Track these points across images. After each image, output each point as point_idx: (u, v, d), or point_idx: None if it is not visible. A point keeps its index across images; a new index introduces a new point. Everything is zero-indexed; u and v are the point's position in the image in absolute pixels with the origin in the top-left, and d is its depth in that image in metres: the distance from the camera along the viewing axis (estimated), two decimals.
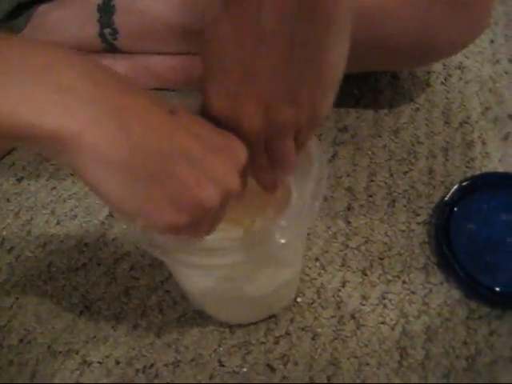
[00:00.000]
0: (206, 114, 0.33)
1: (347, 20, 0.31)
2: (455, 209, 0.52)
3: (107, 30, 0.53)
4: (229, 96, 0.31)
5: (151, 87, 0.59)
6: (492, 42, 0.65)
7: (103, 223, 0.52)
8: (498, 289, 0.49)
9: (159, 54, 0.56)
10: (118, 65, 0.57)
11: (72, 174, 0.55)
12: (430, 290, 0.50)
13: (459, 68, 0.63)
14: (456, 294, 0.50)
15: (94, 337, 0.47)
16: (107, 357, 0.47)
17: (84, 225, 0.52)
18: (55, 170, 0.55)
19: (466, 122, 0.59)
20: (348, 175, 0.55)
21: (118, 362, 0.46)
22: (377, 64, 0.55)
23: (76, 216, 0.53)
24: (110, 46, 0.55)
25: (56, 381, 0.45)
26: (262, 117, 0.32)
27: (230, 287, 0.43)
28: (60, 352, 0.47)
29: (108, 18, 0.53)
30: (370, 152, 0.57)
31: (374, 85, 0.61)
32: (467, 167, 0.56)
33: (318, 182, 0.37)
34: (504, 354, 0.47)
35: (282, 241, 0.35)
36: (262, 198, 0.39)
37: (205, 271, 0.40)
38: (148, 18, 0.53)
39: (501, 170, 0.56)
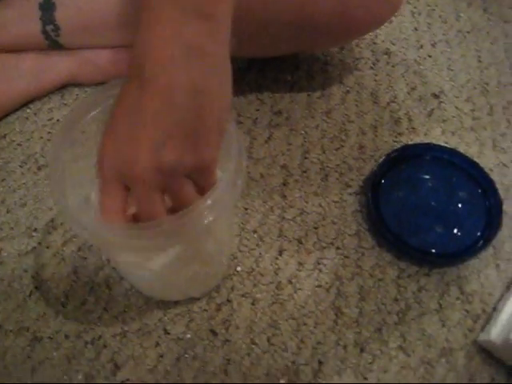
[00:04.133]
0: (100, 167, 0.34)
1: (227, 63, 0.34)
2: (384, 179, 0.56)
3: (49, 27, 0.56)
4: (119, 144, 0.33)
5: (97, 81, 0.62)
6: (416, 29, 0.70)
7: (51, 209, 0.55)
8: (425, 249, 0.52)
9: (102, 48, 0.59)
10: (64, 61, 0.60)
11: (21, 166, 0.57)
12: (363, 254, 0.53)
13: (386, 53, 0.67)
14: (387, 256, 0.53)
15: (44, 314, 0.49)
16: (57, 332, 0.49)
17: (33, 212, 0.54)
18: (4, 163, 0.57)
19: (394, 102, 0.63)
20: (283, 154, 0.58)
21: (67, 336, 0.48)
22: (301, 44, 0.58)
23: (25, 204, 0.55)
24: (53, 42, 0.58)
25: (8, 358, 0.47)
26: (151, 163, 0.32)
27: (148, 270, 0.44)
28: (11, 330, 0.49)
29: (50, 15, 0.56)
30: (303, 132, 0.60)
31: (306, 71, 0.65)
32: (395, 142, 0.60)
33: (239, 161, 0.39)
34: (431, 306, 0.50)
35: (210, 218, 0.36)
36: None
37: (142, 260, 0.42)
38: (87, 14, 0.56)
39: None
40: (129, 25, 0.56)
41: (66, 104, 0.61)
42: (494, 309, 0.50)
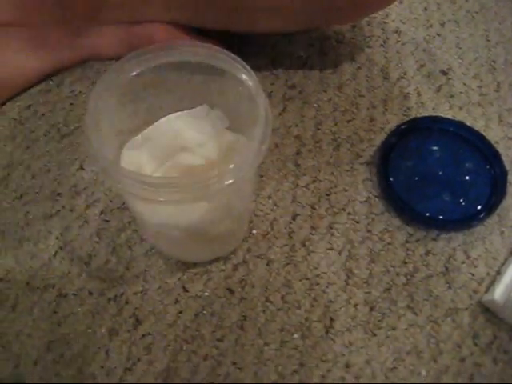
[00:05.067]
0: None
1: None
2: (393, 149, 0.58)
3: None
4: None
5: (118, 55, 0.64)
6: (425, 9, 0.72)
7: (74, 175, 0.57)
8: (432, 215, 0.55)
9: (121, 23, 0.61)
10: (90, 36, 0.62)
11: (45, 135, 0.59)
12: (373, 219, 0.55)
13: (396, 32, 0.69)
14: (396, 221, 0.55)
15: (69, 272, 0.52)
16: (81, 289, 0.51)
17: (57, 177, 0.57)
18: (29, 132, 0.60)
19: (403, 78, 0.65)
20: (296, 125, 0.61)
21: (91, 293, 0.51)
22: (314, 21, 0.59)
23: (49, 170, 0.57)
24: (71, 16, 0.60)
25: (35, 312, 0.50)
26: None
27: (178, 227, 0.46)
28: (38, 287, 0.51)
29: None
30: (316, 105, 0.62)
31: (319, 48, 0.67)
32: (404, 115, 0.62)
33: (265, 128, 0.41)
34: (438, 269, 0.53)
35: (231, 180, 0.39)
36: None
37: (157, 205, 0.43)
38: None
39: None
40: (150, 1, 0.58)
41: (87, 77, 0.64)
42: (498, 272, 0.53)
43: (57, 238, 0.54)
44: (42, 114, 0.61)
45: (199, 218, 0.44)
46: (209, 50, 0.44)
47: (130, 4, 0.59)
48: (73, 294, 0.51)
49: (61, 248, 0.53)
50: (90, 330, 0.49)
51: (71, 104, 0.62)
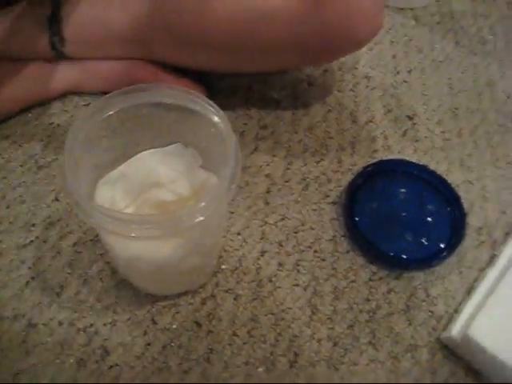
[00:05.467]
0: None
1: None
2: (359, 190, 0.61)
3: (56, 38, 0.61)
4: None
5: (98, 90, 0.66)
6: (394, 57, 0.76)
7: (49, 206, 0.58)
8: (395, 254, 0.57)
9: (104, 59, 0.64)
10: (67, 70, 0.64)
11: (22, 166, 0.61)
12: (338, 258, 0.57)
13: (366, 77, 0.73)
14: (360, 260, 0.57)
15: (40, 303, 0.53)
16: (51, 319, 0.52)
17: (32, 208, 0.58)
18: (6, 162, 0.61)
19: (371, 121, 0.68)
20: (268, 164, 0.63)
21: (61, 323, 0.52)
22: (288, 62, 0.63)
23: (24, 201, 0.58)
24: (58, 53, 0.62)
25: (4, 342, 0.50)
26: None
27: (149, 261, 0.48)
28: (7, 317, 0.52)
29: (56, 28, 0.60)
30: (287, 145, 0.65)
31: (292, 90, 0.70)
32: (371, 158, 0.65)
33: (235, 168, 0.43)
34: (399, 307, 0.55)
35: (201, 218, 0.41)
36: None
37: (128, 240, 0.45)
38: (91, 29, 0.61)
39: None
40: (129, 40, 0.61)
41: (66, 111, 0.65)
42: (456, 310, 0.55)
43: (29, 268, 0.54)
44: (20, 145, 0.63)
45: (169, 253, 0.46)
46: (185, 93, 0.47)
47: (115, 43, 0.61)
48: (43, 324, 0.52)
49: (32, 278, 0.54)
50: (58, 361, 0.50)
51: (49, 136, 0.63)
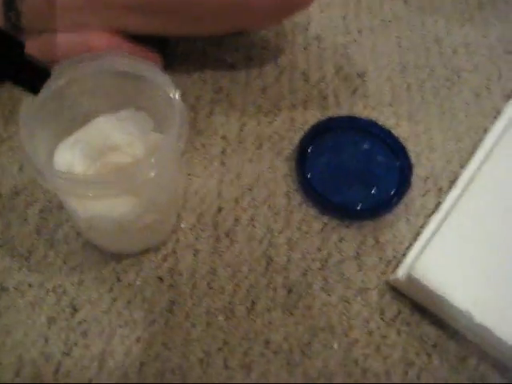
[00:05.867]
0: None
1: None
2: (310, 146, 0.64)
3: (12, 13, 0.62)
4: None
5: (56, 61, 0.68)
6: (344, 18, 0.78)
7: (14, 177, 0.61)
8: (345, 205, 0.60)
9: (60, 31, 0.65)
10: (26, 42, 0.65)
11: None
12: (291, 211, 0.60)
13: (317, 38, 0.75)
14: (312, 211, 0.60)
15: (10, 267, 0.55)
16: (21, 282, 0.55)
17: None
18: None
19: (322, 81, 0.71)
20: (222, 126, 0.66)
21: (30, 285, 0.55)
22: (235, 23, 0.65)
23: None
24: (14, 26, 0.63)
25: None
26: None
27: (108, 219, 0.51)
28: None
29: (12, 2, 0.61)
30: (241, 107, 0.67)
31: (245, 53, 0.72)
32: (322, 115, 0.67)
33: (180, 126, 0.46)
34: (350, 254, 0.58)
35: (152, 173, 0.44)
36: None
37: (86, 201, 0.49)
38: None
39: None
40: (83, 9, 0.62)
41: None
42: (403, 255, 0.59)
43: None
44: None
45: (126, 210, 0.49)
46: (134, 60, 0.50)
47: (70, 13, 0.63)
48: (13, 287, 0.54)
49: (1, 246, 0.57)
50: (29, 320, 0.53)
51: (10, 111, 0.65)
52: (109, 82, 0.51)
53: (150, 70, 0.49)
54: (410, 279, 0.54)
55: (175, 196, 0.59)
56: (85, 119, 0.54)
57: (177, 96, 0.47)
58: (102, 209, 0.50)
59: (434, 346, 0.54)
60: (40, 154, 0.46)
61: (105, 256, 0.56)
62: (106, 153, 0.53)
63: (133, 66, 0.50)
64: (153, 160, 0.44)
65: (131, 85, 0.51)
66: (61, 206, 0.59)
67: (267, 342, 0.53)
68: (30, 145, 0.44)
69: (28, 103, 0.46)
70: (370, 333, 0.54)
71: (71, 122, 0.53)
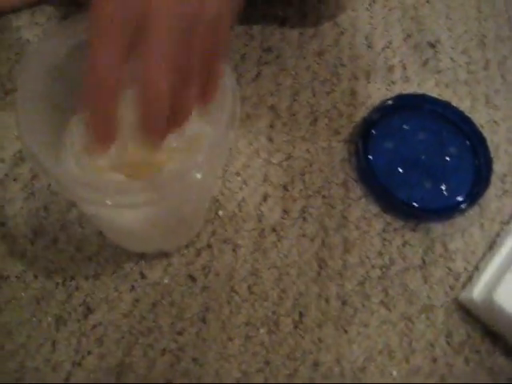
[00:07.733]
0: None
1: None
2: (374, 128, 0.54)
3: None
4: None
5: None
6: None
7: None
8: (412, 203, 0.51)
9: None
10: None
11: None
12: (349, 205, 0.51)
13: None
14: (373, 208, 0.52)
15: (11, 252, 0.46)
16: (25, 271, 0.46)
17: None
18: None
19: (388, 48, 0.60)
20: (271, 94, 0.56)
21: (36, 276, 0.46)
22: None
23: None
24: None
25: None
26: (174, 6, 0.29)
27: (132, 220, 0.41)
28: None
29: None
30: (293, 72, 0.57)
31: (299, 7, 0.61)
32: (388, 90, 0.58)
33: (233, 112, 0.35)
34: (414, 262, 0.50)
35: (199, 176, 0.33)
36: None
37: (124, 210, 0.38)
38: None
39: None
40: None
41: (37, 23, 0.56)
42: (476, 268, 0.50)
43: None
44: None
45: (154, 212, 0.39)
46: None
47: None
48: (15, 276, 0.46)
49: (2, 224, 0.47)
50: (34, 319, 0.45)
51: (17, 54, 0.55)
52: None
53: None
54: (489, 302, 0.46)
55: (215, 179, 0.49)
56: None
57: (228, 70, 0.36)
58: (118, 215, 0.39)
59: (510, 381, 0.46)
60: (43, 147, 0.35)
61: None
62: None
63: None
64: (200, 159, 0.34)
65: None
66: None
67: (316, 364, 0.45)
68: (31, 139, 0.34)
69: (24, 85, 0.37)
70: (435, 360, 0.47)
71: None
